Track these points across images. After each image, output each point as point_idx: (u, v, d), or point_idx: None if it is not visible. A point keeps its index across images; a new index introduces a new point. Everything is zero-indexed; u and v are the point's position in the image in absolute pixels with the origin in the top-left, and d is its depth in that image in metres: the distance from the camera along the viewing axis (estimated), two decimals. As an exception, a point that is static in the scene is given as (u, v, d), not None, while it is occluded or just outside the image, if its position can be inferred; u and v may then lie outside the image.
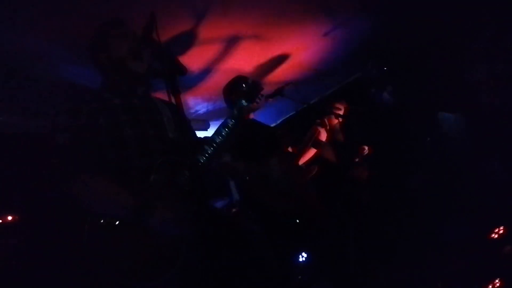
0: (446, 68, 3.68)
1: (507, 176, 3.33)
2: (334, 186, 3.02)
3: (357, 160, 3.08)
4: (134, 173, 1.42)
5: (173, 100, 1.27)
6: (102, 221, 1.33)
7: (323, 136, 2.65)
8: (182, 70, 1.33)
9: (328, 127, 2.69)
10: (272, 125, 5.02)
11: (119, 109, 1.51)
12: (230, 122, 1.55)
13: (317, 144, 2.69)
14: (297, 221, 2.43)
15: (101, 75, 1.64)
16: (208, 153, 1.53)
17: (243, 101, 1.58)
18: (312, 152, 2.75)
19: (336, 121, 3.01)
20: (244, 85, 2.48)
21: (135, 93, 1.62)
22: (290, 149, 2.72)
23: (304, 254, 2.98)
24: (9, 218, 2.51)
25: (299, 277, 2.90)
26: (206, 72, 3.17)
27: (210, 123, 4.39)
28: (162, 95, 1.50)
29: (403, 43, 3.80)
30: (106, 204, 1.34)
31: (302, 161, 2.74)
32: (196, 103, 3.73)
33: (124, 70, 1.55)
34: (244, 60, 3.09)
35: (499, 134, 3.34)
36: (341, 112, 2.84)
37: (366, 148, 3.11)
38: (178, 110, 1.30)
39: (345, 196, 3.07)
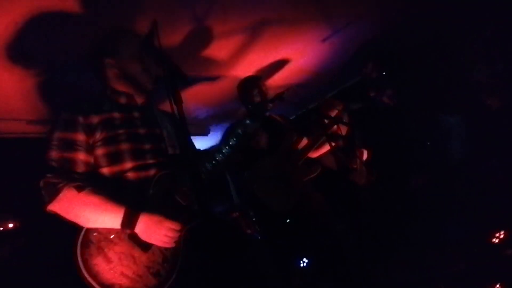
0: (446, 69, 3.68)
1: (507, 176, 3.33)
2: (334, 188, 3.01)
3: (355, 166, 3.06)
4: (131, 187, 1.42)
5: (174, 109, 1.27)
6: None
7: (343, 130, 2.59)
8: (183, 77, 1.33)
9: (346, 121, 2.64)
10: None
11: (118, 122, 1.50)
12: (233, 141, 1.55)
13: (335, 137, 2.63)
14: (296, 221, 2.42)
15: (102, 84, 1.63)
16: (207, 169, 1.53)
17: (248, 121, 1.57)
18: (326, 147, 2.72)
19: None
20: (250, 106, 2.47)
21: (135, 103, 1.61)
22: (305, 139, 2.68)
23: (305, 260, 2.97)
24: (10, 225, 2.50)
25: (300, 281, 2.89)
26: (206, 77, 3.16)
27: (210, 128, 4.37)
28: (163, 105, 1.49)
29: (403, 44, 3.80)
30: (101, 218, 1.33)
31: (315, 154, 2.71)
32: (196, 108, 3.71)
33: (129, 76, 1.55)
34: (244, 65, 3.08)
35: (499, 134, 3.34)
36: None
37: (365, 152, 3.09)
38: (180, 119, 1.29)
39: (346, 197, 3.06)
